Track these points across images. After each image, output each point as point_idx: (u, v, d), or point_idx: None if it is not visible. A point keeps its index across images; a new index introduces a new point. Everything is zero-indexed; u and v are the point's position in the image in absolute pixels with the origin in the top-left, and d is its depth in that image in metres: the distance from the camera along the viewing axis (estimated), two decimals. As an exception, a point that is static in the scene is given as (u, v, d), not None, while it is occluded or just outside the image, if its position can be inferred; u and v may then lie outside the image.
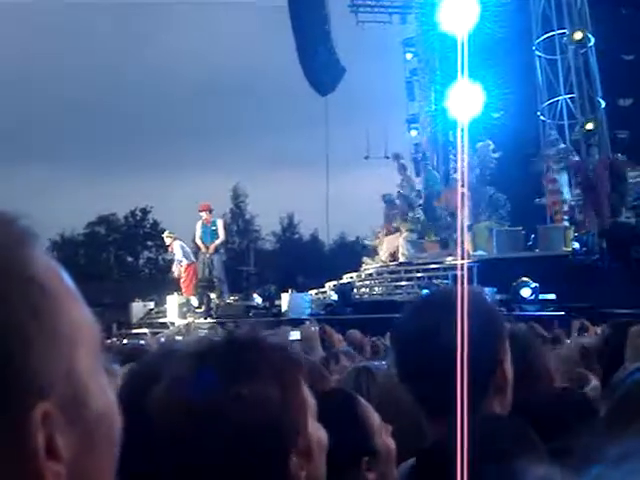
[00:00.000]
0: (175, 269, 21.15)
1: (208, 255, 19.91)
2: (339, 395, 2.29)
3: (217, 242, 19.97)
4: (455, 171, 21.55)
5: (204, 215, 19.98)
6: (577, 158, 18.99)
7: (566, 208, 18.70)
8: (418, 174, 23.26)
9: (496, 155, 20.03)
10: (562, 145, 19.60)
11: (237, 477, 1.30)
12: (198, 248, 20.29)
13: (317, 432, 1.40)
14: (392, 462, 2.12)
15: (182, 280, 20.56)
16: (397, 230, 21.04)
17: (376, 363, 3.65)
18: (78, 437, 0.75)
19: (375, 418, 2.15)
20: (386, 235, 21.47)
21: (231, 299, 20.41)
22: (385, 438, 2.12)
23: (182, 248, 20.66)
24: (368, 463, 2.02)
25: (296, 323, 9.84)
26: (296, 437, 1.33)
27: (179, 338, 11.74)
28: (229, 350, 1.38)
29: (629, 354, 2.94)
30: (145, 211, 56.36)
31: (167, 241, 21.35)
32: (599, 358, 3.62)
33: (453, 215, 19.01)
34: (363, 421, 2.10)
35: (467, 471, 1.27)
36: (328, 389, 3.19)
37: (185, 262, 20.52)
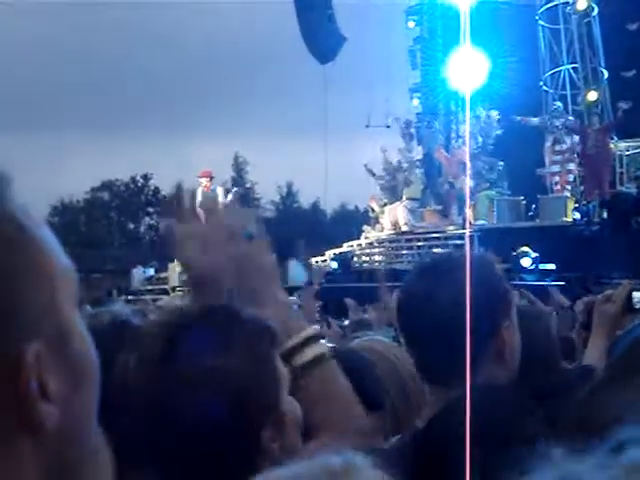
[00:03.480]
0: None
1: (207, 222, 19.70)
2: (352, 357, 2.29)
3: (217, 209, 19.73)
4: (456, 139, 21.45)
5: (204, 182, 19.80)
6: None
7: (571, 178, 18.60)
8: (419, 142, 23.07)
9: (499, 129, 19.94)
10: (570, 118, 19.35)
11: (209, 449, 1.29)
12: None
13: (290, 406, 1.39)
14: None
15: None
16: (394, 198, 20.97)
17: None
18: (65, 376, 0.75)
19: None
20: (385, 205, 21.39)
21: (231, 266, 20.27)
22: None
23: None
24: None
25: (292, 291, 9.87)
26: (267, 410, 1.32)
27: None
28: (201, 322, 1.35)
29: (595, 321, 2.94)
30: (146, 177, 56.14)
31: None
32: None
33: (453, 184, 18.95)
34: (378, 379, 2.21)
35: (469, 447, 1.27)
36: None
37: None
